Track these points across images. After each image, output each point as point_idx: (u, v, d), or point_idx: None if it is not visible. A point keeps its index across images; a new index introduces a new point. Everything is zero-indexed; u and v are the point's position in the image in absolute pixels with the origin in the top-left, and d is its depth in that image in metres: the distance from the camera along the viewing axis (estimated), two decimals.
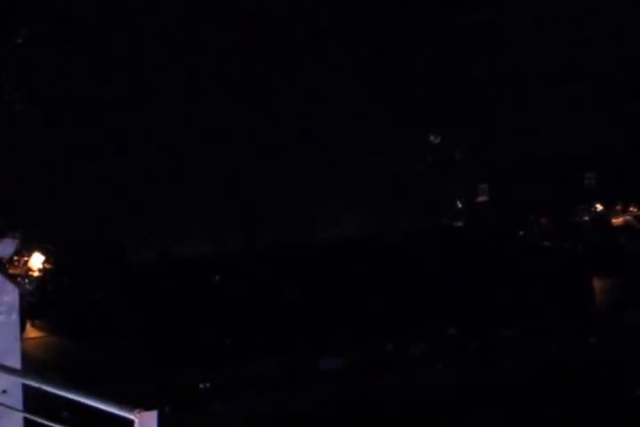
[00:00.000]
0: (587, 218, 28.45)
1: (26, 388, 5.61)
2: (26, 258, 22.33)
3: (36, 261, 22.47)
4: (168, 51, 24.65)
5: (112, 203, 23.96)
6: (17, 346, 6.04)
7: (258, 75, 25.72)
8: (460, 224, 28.12)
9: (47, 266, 22.71)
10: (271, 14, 25.76)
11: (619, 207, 28.85)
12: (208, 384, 21.03)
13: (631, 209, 28.96)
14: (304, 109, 26.22)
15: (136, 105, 24.13)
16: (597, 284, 26.48)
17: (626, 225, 28.55)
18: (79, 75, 23.40)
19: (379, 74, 27.08)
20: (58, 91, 23.02)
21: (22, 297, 6.33)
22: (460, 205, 28.00)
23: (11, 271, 21.27)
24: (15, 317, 6.05)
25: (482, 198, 27.95)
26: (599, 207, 28.66)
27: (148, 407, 4.34)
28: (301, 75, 26.14)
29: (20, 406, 5.68)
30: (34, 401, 5.80)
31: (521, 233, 27.84)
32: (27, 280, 21.95)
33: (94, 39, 23.64)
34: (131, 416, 4.31)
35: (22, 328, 12.44)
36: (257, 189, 25.97)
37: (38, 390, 4.94)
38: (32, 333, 21.89)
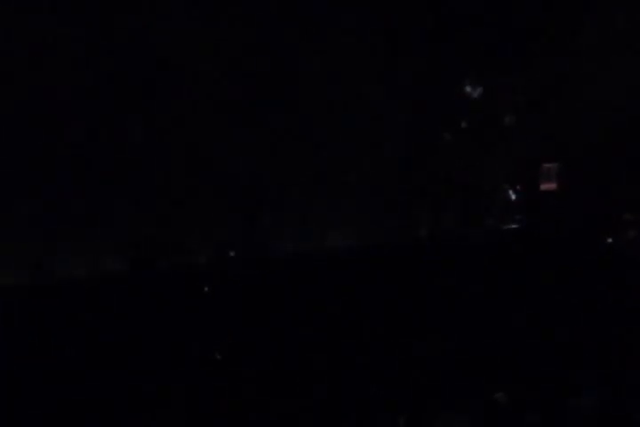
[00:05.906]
0: None
1: None
2: None
3: None
4: None
5: None
6: None
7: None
8: (515, 226, 18.07)
9: None
10: None
11: None
12: None
13: None
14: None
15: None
16: None
17: None
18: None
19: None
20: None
21: None
22: (513, 197, 17.96)
23: None
24: None
25: (547, 185, 17.82)
26: None
27: None
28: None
29: None
30: None
31: (610, 240, 17.53)
32: None
33: None
34: None
35: None
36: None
37: None
38: None
